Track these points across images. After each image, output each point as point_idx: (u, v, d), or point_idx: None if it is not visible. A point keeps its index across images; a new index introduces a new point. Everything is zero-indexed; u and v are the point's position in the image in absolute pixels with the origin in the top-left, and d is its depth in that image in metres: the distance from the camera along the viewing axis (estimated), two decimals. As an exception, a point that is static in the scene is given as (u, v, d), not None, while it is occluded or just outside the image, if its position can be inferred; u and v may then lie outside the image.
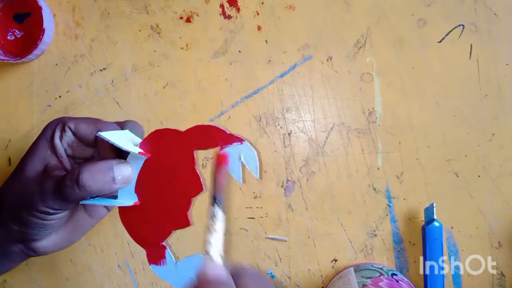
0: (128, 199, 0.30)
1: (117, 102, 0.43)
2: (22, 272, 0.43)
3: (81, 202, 0.29)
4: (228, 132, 0.29)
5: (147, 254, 0.31)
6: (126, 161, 0.30)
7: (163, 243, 0.31)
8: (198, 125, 0.29)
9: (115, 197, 0.31)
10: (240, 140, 0.29)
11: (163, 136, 0.30)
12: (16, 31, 0.43)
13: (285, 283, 0.42)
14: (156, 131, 0.30)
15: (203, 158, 0.42)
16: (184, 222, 0.30)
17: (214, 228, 0.26)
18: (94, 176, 0.27)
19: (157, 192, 0.30)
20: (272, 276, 0.42)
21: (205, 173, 0.40)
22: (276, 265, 0.42)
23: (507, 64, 0.40)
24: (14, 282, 0.43)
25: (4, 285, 0.43)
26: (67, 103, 0.43)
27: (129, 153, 0.30)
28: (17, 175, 0.31)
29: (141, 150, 0.30)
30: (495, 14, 0.41)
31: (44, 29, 0.41)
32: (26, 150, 0.32)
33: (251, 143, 0.29)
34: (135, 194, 0.30)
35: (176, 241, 0.42)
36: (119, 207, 0.31)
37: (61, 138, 0.31)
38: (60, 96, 0.43)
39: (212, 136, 0.29)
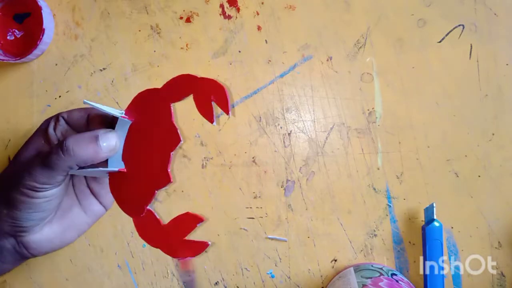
0: (116, 167, 0.30)
1: (117, 102, 0.43)
2: (22, 272, 0.43)
3: (70, 172, 0.29)
4: (198, 77, 0.28)
5: (135, 224, 0.30)
6: (113, 130, 0.30)
7: (149, 208, 0.30)
8: (173, 77, 0.29)
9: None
10: (209, 80, 0.28)
11: (144, 97, 0.30)
12: (16, 31, 0.43)
13: (284, 283, 0.42)
14: (138, 94, 0.30)
15: (203, 158, 0.42)
16: (165, 179, 0.29)
17: None
18: (79, 142, 0.28)
19: (140, 155, 0.30)
20: (272, 276, 0.42)
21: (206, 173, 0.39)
22: (276, 265, 0.42)
23: (507, 64, 0.40)
24: (14, 282, 0.43)
25: (4, 285, 0.43)
26: (67, 103, 0.43)
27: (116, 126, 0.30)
28: (11, 164, 0.32)
29: (125, 116, 0.30)
30: (495, 14, 0.41)
31: (44, 29, 0.41)
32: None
33: (218, 81, 0.28)
34: (123, 162, 0.30)
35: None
36: (110, 181, 0.31)
37: (55, 128, 0.32)
38: (60, 96, 0.43)
39: (184, 85, 0.29)
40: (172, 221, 0.30)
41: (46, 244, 0.32)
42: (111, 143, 0.29)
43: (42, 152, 0.30)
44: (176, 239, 0.29)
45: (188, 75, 0.29)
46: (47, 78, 0.43)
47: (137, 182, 0.30)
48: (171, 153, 0.29)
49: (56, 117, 0.32)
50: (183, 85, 0.29)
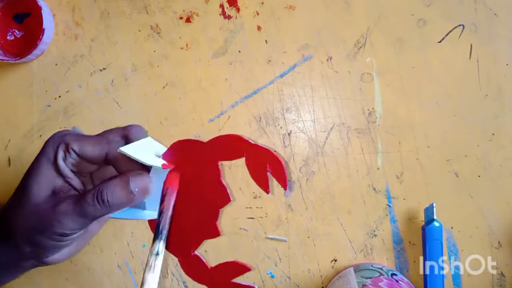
0: (156, 210, 0.30)
1: (117, 102, 0.43)
2: (22, 272, 0.43)
3: (110, 216, 0.29)
4: (252, 142, 0.28)
5: (181, 264, 0.31)
6: (142, 172, 0.29)
7: (196, 253, 0.30)
8: (221, 135, 0.28)
9: (143, 206, 0.30)
10: (265, 150, 0.28)
11: (186, 146, 0.29)
12: (16, 31, 0.43)
13: (284, 283, 0.42)
14: (179, 141, 0.29)
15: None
16: (214, 233, 0.30)
17: (154, 265, 0.26)
18: (113, 190, 0.27)
19: (184, 202, 0.30)
20: (272, 276, 0.42)
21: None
22: (276, 265, 0.42)
23: (507, 64, 0.40)
24: (14, 282, 0.43)
25: (3, 285, 0.43)
26: (67, 103, 0.43)
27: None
28: (24, 199, 0.29)
29: (165, 162, 0.29)
30: (495, 14, 0.41)
31: (44, 29, 0.41)
32: (27, 170, 0.30)
33: (275, 151, 0.28)
34: None
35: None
36: (150, 223, 0.31)
37: (64, 159, 0.29)
38: (59, 96, 0.43)
39: (236, 147, 0.28)
40: (219, 266, 0.30)
41: (64, 258, 0.31)
42: (142, 187, 0.28)
43: (71, 198, 0.28)
44: (222, 281, 0.30)
45: (240, 137, 0.28)
46: (47, 78, 0.43)
47: (182, 228, 0.30)
48: (220, 209, 0.29)
49: (66, 148, 0.29)
50: (234, 147, 0.28)
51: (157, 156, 0.29)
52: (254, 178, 0.28)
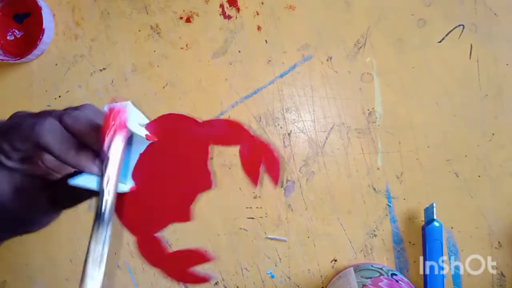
0: (123, 182, 0.28)
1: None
2: (22, 272, 0.43)
3: (70, 182, 0.25)
4: (251, 133, 0.26)
5: (138, 244, 0.28)
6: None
7: (157, 235, 0.28)
8: (220, 119, 0.27)
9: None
10: (263, 144, 0.26)
11: (175, 121, 0.27)
12: (16, 31, 0.43)
13: (284, 283, 0.42)
14: (170, 114, 0.27)
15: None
16: (185, 216, 0.28)
17: (101, 258, 0.24)
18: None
19: (159, 180, 0.28)
20: (272, 276, 0.42)
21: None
22: (276, 265, 0.42)
23: (507, 64, 0.40)
24: (14, 282, 0.43)
25: (4, 285, 0.43)
26: (67, 103, 0.43)
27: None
28: None
29: (147, 133, 0.27)
30: (495, 14, 0.41)
31: (44, 29, 0.41)
32: None
33: (273, 147, 0.27)
34: (131, 179, 0.28)
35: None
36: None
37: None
38: (60, 96, 0.43)
39: (234, 134, 0.27)
40: (178, 252, 0.29)
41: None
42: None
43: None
44: (179, 268, 0.28)
45: (240, 125, 0.27)
46: (47, 78, 0.43)
47: (150, 206, 0.28)
48: (198, 194, 0.27)
49: (59, 119, 0.27)
50: (231, 134, 0.27)
51: (140, 125, 0.27)
52: (245, 169, 0.27)
